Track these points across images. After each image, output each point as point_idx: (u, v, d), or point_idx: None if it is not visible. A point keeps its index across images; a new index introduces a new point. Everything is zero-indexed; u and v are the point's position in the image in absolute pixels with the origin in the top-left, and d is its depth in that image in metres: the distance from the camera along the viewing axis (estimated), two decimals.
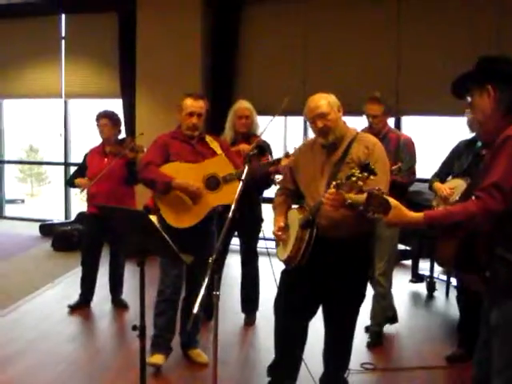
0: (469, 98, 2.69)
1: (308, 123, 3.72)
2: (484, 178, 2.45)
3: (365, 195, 2.69)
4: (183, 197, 4.36)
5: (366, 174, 2.96)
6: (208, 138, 4.62)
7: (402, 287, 6.85)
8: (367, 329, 5.20)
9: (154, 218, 3.85)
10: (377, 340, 5.07)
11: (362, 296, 3.82)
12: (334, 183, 3.14)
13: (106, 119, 5.87)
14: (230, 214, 3.08)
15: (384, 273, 4.98)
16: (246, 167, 3.43)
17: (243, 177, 3.35)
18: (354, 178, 2.98)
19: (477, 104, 2.63)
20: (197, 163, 4.45)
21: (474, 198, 2.44)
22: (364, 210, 2.63)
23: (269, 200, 4.33)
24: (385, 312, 5.13)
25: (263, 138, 5.44)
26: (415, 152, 4.98)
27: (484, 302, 2.74)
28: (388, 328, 5.26)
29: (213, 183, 4.43)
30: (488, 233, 2.50)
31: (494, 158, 2.43)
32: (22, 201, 21.10)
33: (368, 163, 3.01)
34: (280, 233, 3.71)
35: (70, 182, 6.22)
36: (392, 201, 2.59)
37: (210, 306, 3.68)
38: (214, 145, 4.59)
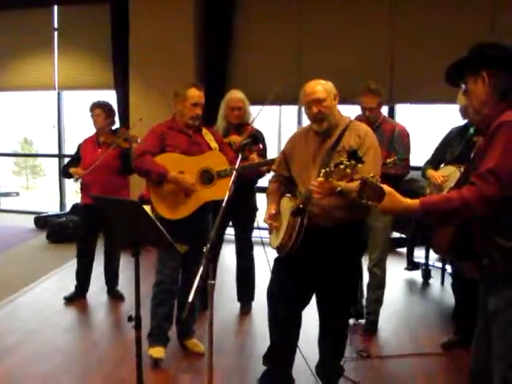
0: (463, 86, 2.68)
1: (303, 109, 3.70)
2: (479, 165, 2.45)
3: (356, 183, 2.68)
4: (176, 189, 4.36)
5: (353, 162, 2.95)
6: (203, 130, 4.62)
7: (398, 275, 6.88)
8: None
9: (147, 208, 3.84)
10: (372, 328, 5.09)
11: (356, 283, 3.83)
12: (322, 171, 3.13)
13: (100, 109, 5.86)
14: (224, 203, 3.08)
15: (378, 264, 4.99)
16: (240, 156, 3.42)
17: (236, 166, 3.35)
18: (341, 166, 2.97)
19: (472, 91, 2.61)
20: (193, 156, 4.45)
21: (469, 184, 2.43)
22: (358, 197, 2.61)
23: (264, 189, 4.32)
24: (380, 301, 5.14)
25: (256, 126, 5.43)
26: (409, 143, 4.94)
27: (480, 289, 2.74)
28: (384, 315, 5.26)
29: (207, 177, 4.44)
30: (484, 220, 2.50)
31: (489, 145, 2.42)
32: (17, 193, 21.07)
33: (355, 150, 2.99)
34: (271, 221, 3.71)
35: (64, 172, 6.21)
36: (386, 188, 2.57)
37: (206, 296, 3.69)
38: (209, 137, 4.60)
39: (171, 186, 4.35)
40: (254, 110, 5.44)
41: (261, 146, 5.23)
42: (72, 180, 5.92)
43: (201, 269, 2.80)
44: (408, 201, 2.57)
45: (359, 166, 2.97)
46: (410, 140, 4.95)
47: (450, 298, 5.54)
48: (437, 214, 2.53)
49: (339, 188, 3.14)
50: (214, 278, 2.93)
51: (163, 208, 4.39)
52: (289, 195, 3.67)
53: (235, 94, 5.39)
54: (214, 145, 4.55)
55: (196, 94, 4.44)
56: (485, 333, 2.65)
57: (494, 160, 2.36)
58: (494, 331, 2.55)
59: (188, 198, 4.38)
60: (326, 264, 3.60)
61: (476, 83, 2.58)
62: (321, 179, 3.14)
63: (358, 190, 2.59)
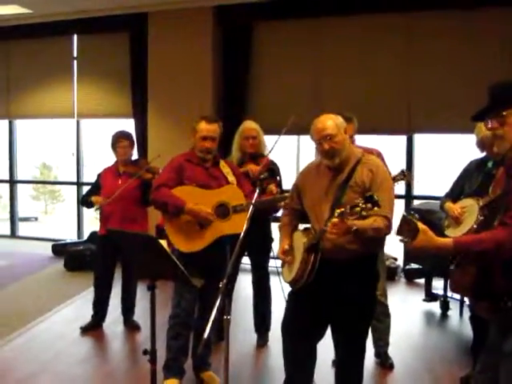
0: (490, 121, 2.64)
1: (314, 145, 3.66)
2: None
3: (371, 220, 2.77)
4: (192, 222, 4.36)
5: (369, 205, 2.97)
6: (221, 164, 4.62)
7: (415, 306, 6.82)
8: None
9: (164, 243, 3.85)
10: (387, 359, 5.03)
11: (370, 316, 3.78)
12: (337, 212, 3.13)
13: (126, 140, 5.90)
14: (240, 238, 3.08)
15: (383, 292, 4.94)
16: (257, 190, 3.43)
17: (253, 200, 3.35)
18: (357, 209, 3.00)
19: None
20: (209, 189, 4.45)
21: (501, 224, 2.42)
22: (396, 234, 2.62)
23: (278, 219, 4.30)
24: (389, 330, 5.08)
25: (272, 157, 5.44)
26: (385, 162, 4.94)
27: (492, 329, 2.71)
28: (401, 347, 5.21)
29: (223, 211, 4.43)
30: (508, 261, 2.48)
31: None
32: (36, 218, 21.16)
33: (372, 195, 3.01)
34: (284, 256, 3.69)
35: (83, 201, 6.20)
36: (421, 225, 2.55)
37: (222, 327, 3.68)
38: (226, 170, 4.59)
39: (187, 219, 4.35)
40: (273, 141, 5.44)
41: (278, 178, 5.23)
42: (93, 209, 5.95)
43: (217, 304, 2.80)
44: (441, 240, 2.55)
45: (375, 208, 2.98)
46: (384, 161, 4.96)
47: (468, 331, 5.45)
48: (469, 254, 2.51)
49: (355, 227, 3.13)
50: (229, 314, 2.93)
51: (179, 240, 4.39)
52: (301, 229, 3.66)
53: (249, 124, 5.44)
54: (231, 178, 4.54)
55: (205, 128, 4.43)
56: (492, 370, 2.62)
57: None
58: (503, 370, 2.52)
59: (204, 230, 4.37)
60: (340, 296, 3.56)
61: None
62: (335, 220, 3.14)
63: (398, 226, 2.59)
